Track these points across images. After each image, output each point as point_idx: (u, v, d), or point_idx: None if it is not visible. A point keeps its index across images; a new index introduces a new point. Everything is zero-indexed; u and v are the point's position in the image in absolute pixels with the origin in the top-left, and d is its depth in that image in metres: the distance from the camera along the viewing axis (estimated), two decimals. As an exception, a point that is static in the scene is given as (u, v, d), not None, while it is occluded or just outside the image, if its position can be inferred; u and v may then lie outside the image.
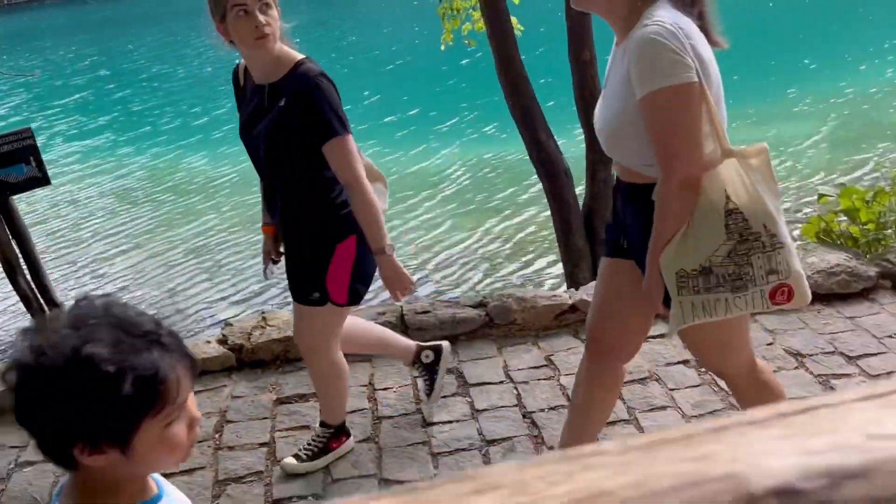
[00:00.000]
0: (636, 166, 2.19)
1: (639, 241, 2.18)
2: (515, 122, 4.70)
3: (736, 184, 2.07)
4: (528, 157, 4.87)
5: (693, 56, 1.96)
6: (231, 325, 3.97)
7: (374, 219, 2.54)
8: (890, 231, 4.55)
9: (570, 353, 3.59)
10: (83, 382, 1.00)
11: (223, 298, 6.10)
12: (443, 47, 6.65)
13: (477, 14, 6.18)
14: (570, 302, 3.85)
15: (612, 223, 2.48)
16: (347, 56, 17.52)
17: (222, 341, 3.76)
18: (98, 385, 1.00)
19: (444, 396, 3.32)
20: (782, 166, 7.59)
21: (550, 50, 10.60)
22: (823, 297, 4.05)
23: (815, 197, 5.54)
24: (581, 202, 4.82)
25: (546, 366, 3.58)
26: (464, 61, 12.85)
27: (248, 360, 3.72)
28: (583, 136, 4.77)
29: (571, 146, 6.03)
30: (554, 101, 6.09)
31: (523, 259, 6.39)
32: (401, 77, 14.97)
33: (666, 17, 1.97)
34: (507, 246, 6.68)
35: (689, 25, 2.01)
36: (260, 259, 3.08)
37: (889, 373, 3.37)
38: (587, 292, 3.72)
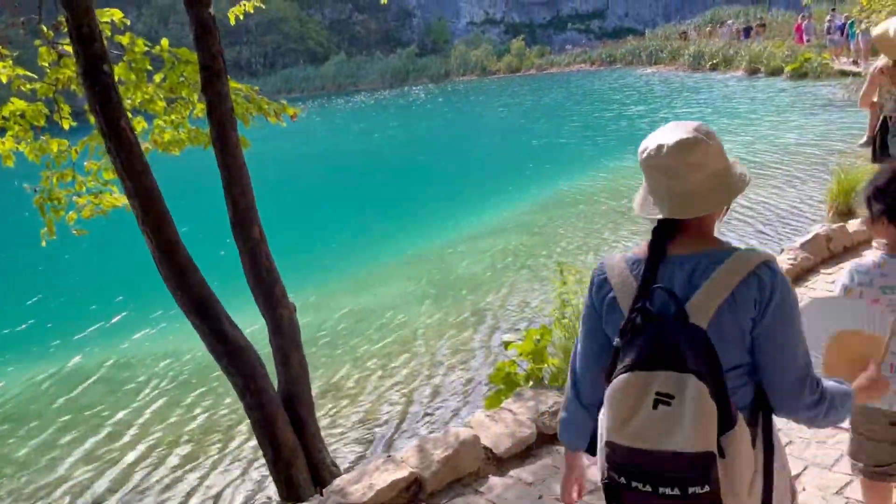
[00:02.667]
0: None
1: None
2: (187, 314, 4.06)
3: None
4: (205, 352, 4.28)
5: None
6: None
7: None
8: (559, 363, 4.93)
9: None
10: None
11: None
12: (44, 243, 5.69)
13: (83, 199, 5.57)
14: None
15: None
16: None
17: None
18: None
19: None
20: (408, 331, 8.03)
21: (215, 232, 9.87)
22: (554, 437, 4.12)
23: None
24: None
25: None
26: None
27: None
28: (264, 321, 4.37)
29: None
30: (225, 285, 5.62)
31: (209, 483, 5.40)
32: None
33: None
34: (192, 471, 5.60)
35: None
36: None
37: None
38: None
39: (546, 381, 4.77)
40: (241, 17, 6.39)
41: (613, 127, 23.79)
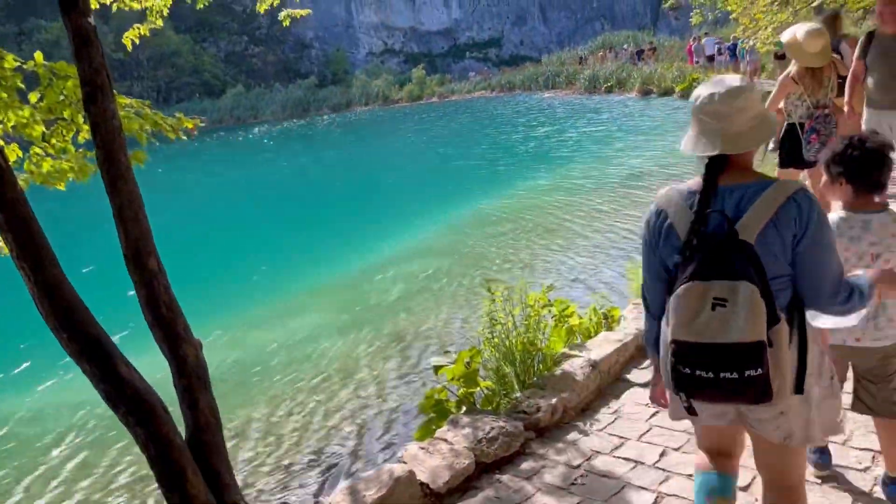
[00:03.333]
0: None
1: None
2: (75, 359, 3.56)
3: None
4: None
5: None
6: None
7: None
8: (492, 385, 4.64)
9: None
10: None
11: None
12: None
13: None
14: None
15: None
16: None
17: None
18: None
19: None
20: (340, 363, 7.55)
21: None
22: (493, 465, 3.82)
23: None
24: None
25: None
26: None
27: None
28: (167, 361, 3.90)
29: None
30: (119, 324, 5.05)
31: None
32: None
33: None
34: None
35: None
36: None
37: None
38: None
39: (478, 405, 4.46)
40: (130, 49, 6.00)
41: (523, 148, 24.00)
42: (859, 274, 2.36)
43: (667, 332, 2.15)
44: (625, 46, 46.39)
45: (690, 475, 3.18)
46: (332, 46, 75.34)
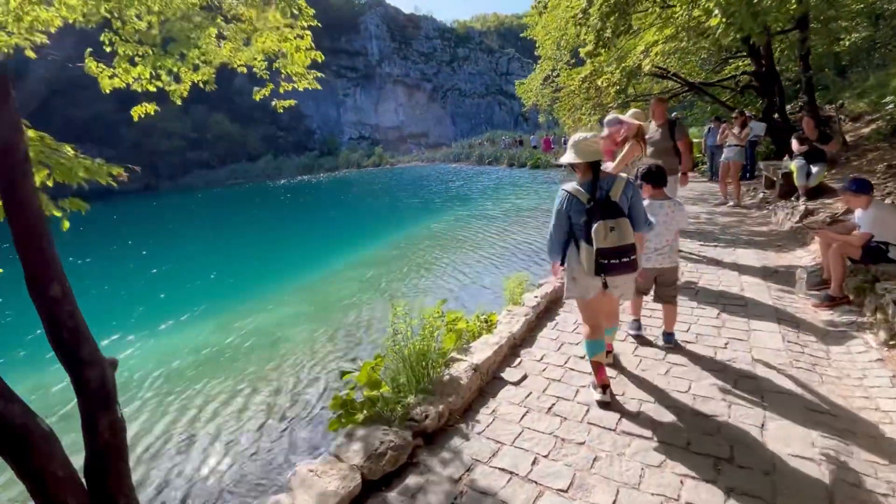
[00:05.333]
0: None
1: None
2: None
3: None
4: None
5: None
6: None
7: None
8: (390, 392, 3.28)
9: None
10: None
11: None
12: None
13: None
14: None
15: None
16: None
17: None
18: None
19: None
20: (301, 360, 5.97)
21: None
22: (382, 481, 2.45)
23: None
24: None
25: None
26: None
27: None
28: (68, 380, 2.37)
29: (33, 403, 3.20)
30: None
31: None
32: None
33: None
34: None
35: None
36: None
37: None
38: None
39: (379, 407, 3.10)
40: (136, 120, 4.89)
41: (444, 191, 22.71)
42: (652, 220, 2.89)
43: (589, 248, 2.71)
44: (504, 138, 45.93)
45: (559, 489, 2.27)
46: (328, 133, 73.70)
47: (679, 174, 5.60)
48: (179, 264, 12.09)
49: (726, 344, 3.64)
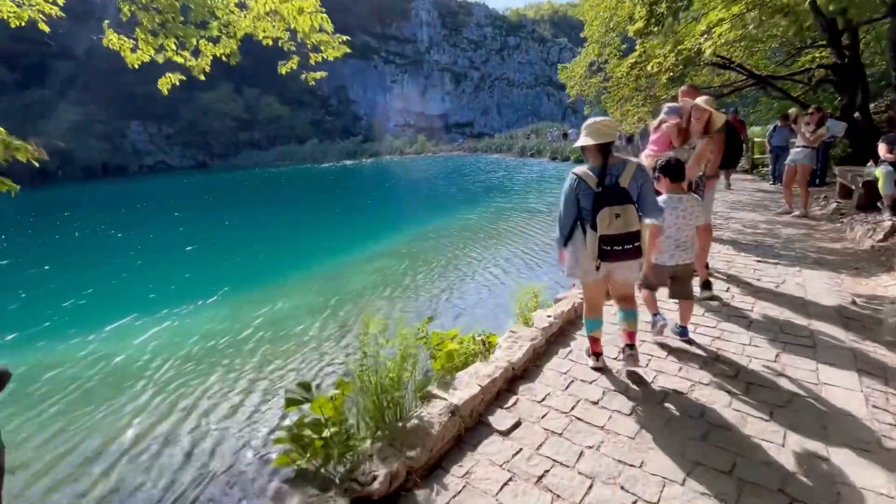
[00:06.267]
0: None
1: None
2: None
3: None
4: None
5: None
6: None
7: None
8: (340, 435, 2.62)
9: None
10: None
11: None
12: None
13: None
14: None
15: None
16: None
17: None
18: None
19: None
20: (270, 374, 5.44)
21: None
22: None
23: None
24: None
25: None
26: None
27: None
28: None
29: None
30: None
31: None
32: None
33: None
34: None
35: None
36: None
37: None
38: None
39: (322, 459, 2.43)
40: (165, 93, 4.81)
41: (485, 182, 21.96)
42: (663, 209, 2.95)
43: (594, 234, 2.72)
44: (552, 130, 44.27)
45: None
46: (374, 119, 73.81)
47: (707, 179, 4.33)
48: (206, 245, 11.95)
49: (788, 401, 2.79)
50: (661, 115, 4.30)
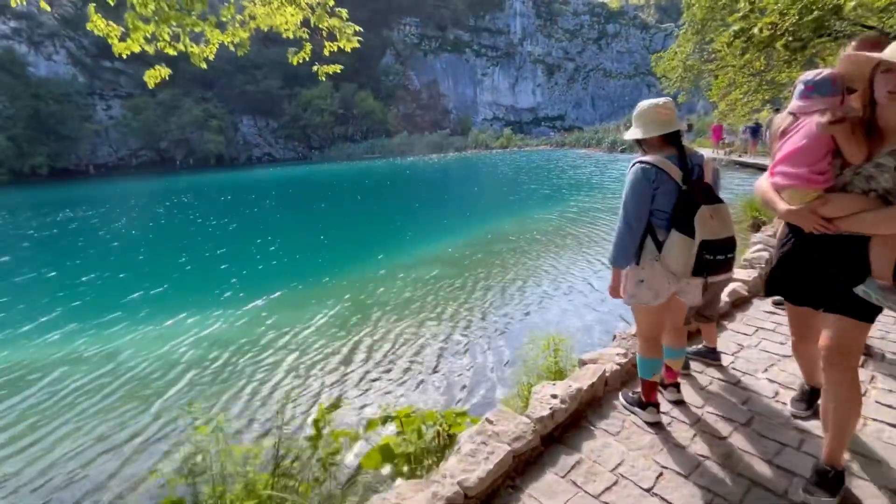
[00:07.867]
0: None
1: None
2: None
3: None
4: None
5: None
6: None
7: None
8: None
9: None
10: None
11: None
12: None
13: None
14: None
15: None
16: None
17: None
18: None
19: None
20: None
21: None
22: None
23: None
24: None
25: None
26: None
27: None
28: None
29: None
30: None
31: None
32: None
33: None
34: None
35: None
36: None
37: None
38: None
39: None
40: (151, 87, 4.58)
41: (570, 178, 20.85)
42: None
43: (687, 240, 2.18)
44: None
45: None
46: (463, 113, 73.90)
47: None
48: (266, 245, 12.40)
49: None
50: (794, 102, 2.05)
